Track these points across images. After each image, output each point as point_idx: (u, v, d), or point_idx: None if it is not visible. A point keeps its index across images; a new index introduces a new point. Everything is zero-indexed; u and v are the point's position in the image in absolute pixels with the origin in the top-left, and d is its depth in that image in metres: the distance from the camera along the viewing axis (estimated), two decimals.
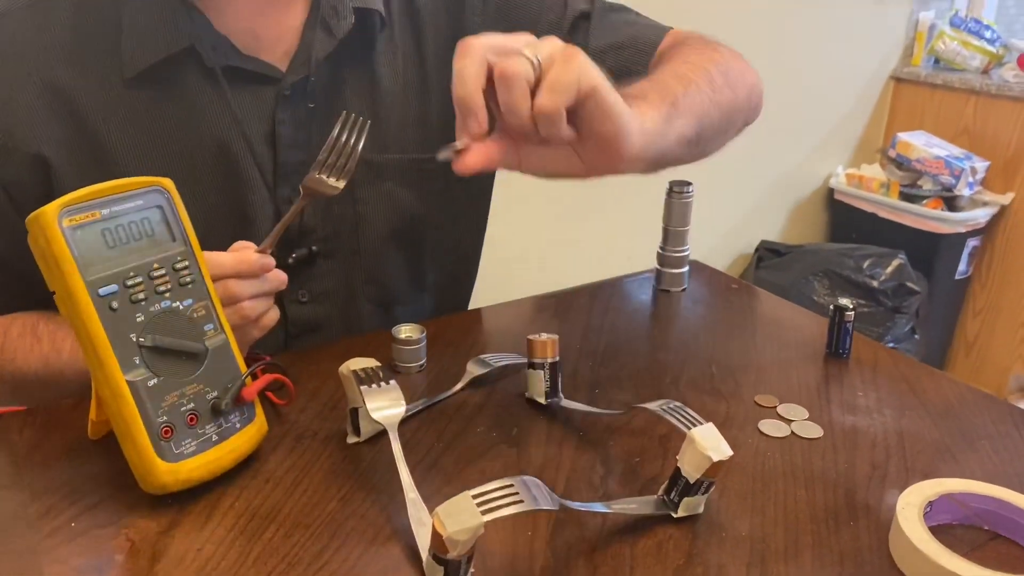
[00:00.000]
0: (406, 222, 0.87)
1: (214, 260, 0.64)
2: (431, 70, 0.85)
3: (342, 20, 0.78)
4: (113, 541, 0.54)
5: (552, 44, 0.57)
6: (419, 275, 0.91)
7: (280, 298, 0.81)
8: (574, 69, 0.55)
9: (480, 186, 0.94)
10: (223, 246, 0.69)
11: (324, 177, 0.71)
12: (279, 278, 0.70)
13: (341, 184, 0.71)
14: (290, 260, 0.80)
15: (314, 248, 0.82)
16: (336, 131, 0.71)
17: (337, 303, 0.86)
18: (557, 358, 0.69)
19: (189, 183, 0.71)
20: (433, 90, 0.85)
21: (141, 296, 0.56)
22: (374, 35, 0.81)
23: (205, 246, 0.67)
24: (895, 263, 2.26)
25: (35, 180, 0.73)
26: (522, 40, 0.58)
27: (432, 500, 0.53)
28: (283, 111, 0.78)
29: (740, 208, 2.49)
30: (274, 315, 0.71)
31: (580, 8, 0.88)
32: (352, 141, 0.72)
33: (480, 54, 0.56)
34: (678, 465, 0.56)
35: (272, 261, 0.69)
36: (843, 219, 2.60)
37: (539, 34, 0.76)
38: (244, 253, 0.68)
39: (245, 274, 0.67)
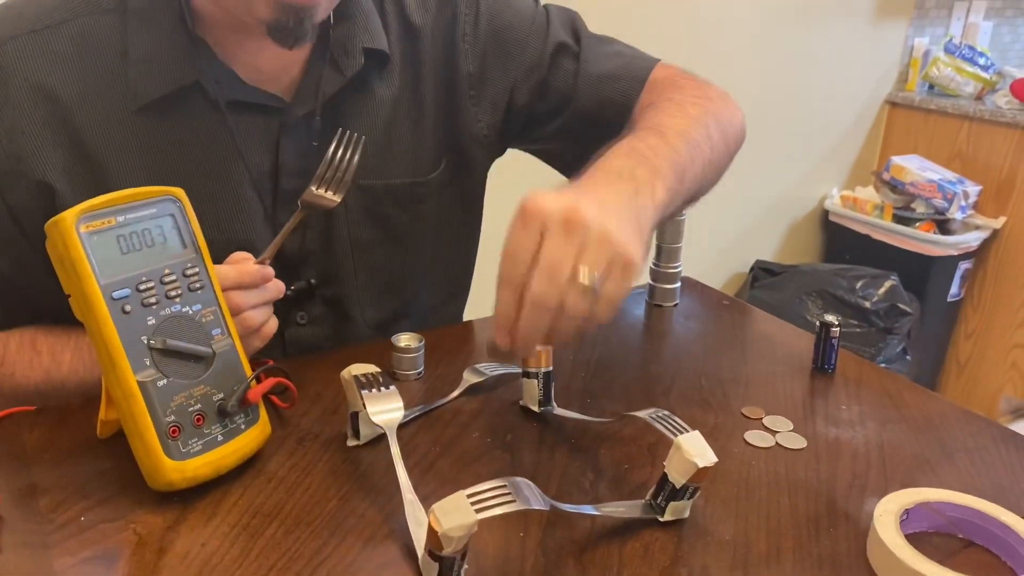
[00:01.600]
0: (402, 245, 0.89)
1: (217, 272, 0.66)
2: (427, 93, 0.87)
3: (352, 59, 0.80)
4: (121, 535, 0.56)
5: (611, 254, 0.57)
6: (415, 296, 0.93)
7: (280, 321, 0.83)
8: (629, 281, 0.57)
9: (472, 205, 0.96)
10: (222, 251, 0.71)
11: (322, 192, 0.74)
12: (278, 287, 0.72)
13: (338, 198, 0.74)
14: (289, 291, 0.79)
15: (313, 281, 0.84)
16: (332, 147, 0.74)
17: (335, 325, 0.88)
18: (551, 367, 0.71)
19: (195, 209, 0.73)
20: (427, 115, 0.87)
21: (153, 300, 0.59)
22: (378, 71, 0.83)
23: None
24: (888, 284, 2.29)
25: (39, 205, 0.73)
26: (576, 251, 0.57)
27: (429, 501, 0.55)
28: (286, 140, 0.79)
29: (736, 228, 2.52)
30: (273, 324, 0.73)
31: (560, 39, 0.89)
32: (348, 156, 0.75)
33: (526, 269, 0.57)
34: (665, 471, 0.58)
35: (272, 271, 0.71)
36: (837, 240, 2.64)
37: (526, 59, 0.79)
38: (245, 265, 0.70)
39: (247, 285, 0.69)
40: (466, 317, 1.03)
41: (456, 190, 0.92)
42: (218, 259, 0.73)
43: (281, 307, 0.81)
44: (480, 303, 0.98)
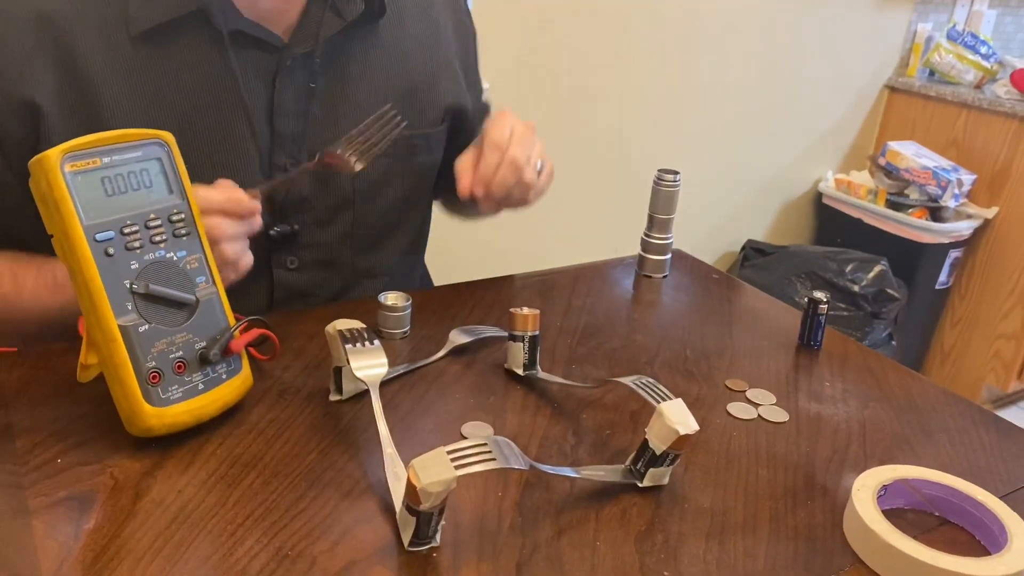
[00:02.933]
0: (395, 195, 0.90)
1: (202, 195, 0.66)
2: (432, 52, 0.89)
3: (352, 4, 0.81)
4: (97, 478, 0.55)
5: (544, 156, 0.85)
6: (398, 244, 0.94)
7: (268, 263, 0.83)
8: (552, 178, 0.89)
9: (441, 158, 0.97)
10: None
11: (347, 155, 0.75)
12: (257, 222, 0.72)
13: (359, 167, 0.76)
14: (272, 231, 0.82)
15: (296, 227, 0.84)
16: (373, 117, 0.77)
17: (325, 273, 0.88)
18: (537, 332, 0.71)
19: (182, 143, 0.72)
20: (432, 72, 0.90)
21: (137, 244, 0.58)
22: (376, 19, 0.84)
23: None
24: (877, 269, 2.29)
25: (24, 128, 0.73)
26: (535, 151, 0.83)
27: (408, 458, 0.55)
28: (282, 80, 0.79)
29: (729, 206, 2.51)
30: (249, 259, 0.72)
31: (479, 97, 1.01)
32: (384, 130, 0.77)
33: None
34: (646, 437, 0.58)
35: (259, 207, 0.71)
36: (829, 223, 2.64)
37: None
38: (234, 192, 0.69)
39: (231, 213, 0.68)
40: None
41: (449, 150, 0.93)
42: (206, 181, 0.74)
43: (272, 250, 0.83)
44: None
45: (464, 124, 0.95)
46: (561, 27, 1.92)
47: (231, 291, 0.81)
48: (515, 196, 0.83)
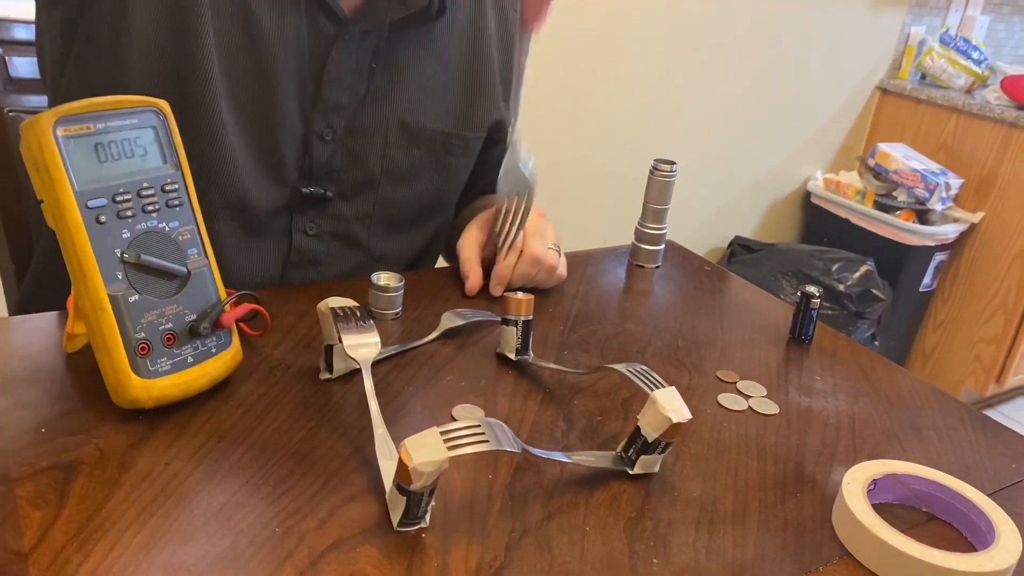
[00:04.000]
0: (423, 188, 0.91)
1: None
2: (486, 58, 0.92)
3: None
4: (82, 449, 0.55)
5: (555, 237, 0.87)
6: (416, 239, 0.96)
7: (289, 227, 0.86)
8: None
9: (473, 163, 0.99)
10: (250, 151, 0.78)
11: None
12: None
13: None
14: (304, 190, 0.84)
15: (329, 193, 0.86)
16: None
17: (340, 247, 0.89)
18: (531, 316, 0.71)
19: (227, 80, 0.77)
20: (484, 77, 0.92)
21: (129, 213, 0.57)
22: (435, 17, 0.85)
23: (231, 150, 0.76)
24: (863, 269, 2.31)
25: None
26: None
27: (399, 439, 0.54)
28: (338, 51, 0.81)
29: (718, 202, 2.52)
30: None
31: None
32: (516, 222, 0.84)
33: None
34: (638, 424, 0.58)
35: None
36: (817, 222, 2.65)
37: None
38: None
39: None
40: None
41: (482, 156, 0.97)
42: (249, 137, 0.79)
43: (295, 211, 0.85)
44: None
45: (501, 134, 0.97)
46: (556, 25, 1.91)
47: (249, 246, 0.85)
48: (539, 280, 0.85)
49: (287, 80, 0.80)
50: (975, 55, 2.62)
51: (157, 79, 0.75)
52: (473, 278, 0.83)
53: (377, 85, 0.84)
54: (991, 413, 2.68)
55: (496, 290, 0.84)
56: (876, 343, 2.34)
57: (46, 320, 0.69)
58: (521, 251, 0.83)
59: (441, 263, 1.03)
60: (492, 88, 0.94)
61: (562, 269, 0.87)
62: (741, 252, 2.50)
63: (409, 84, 0.86)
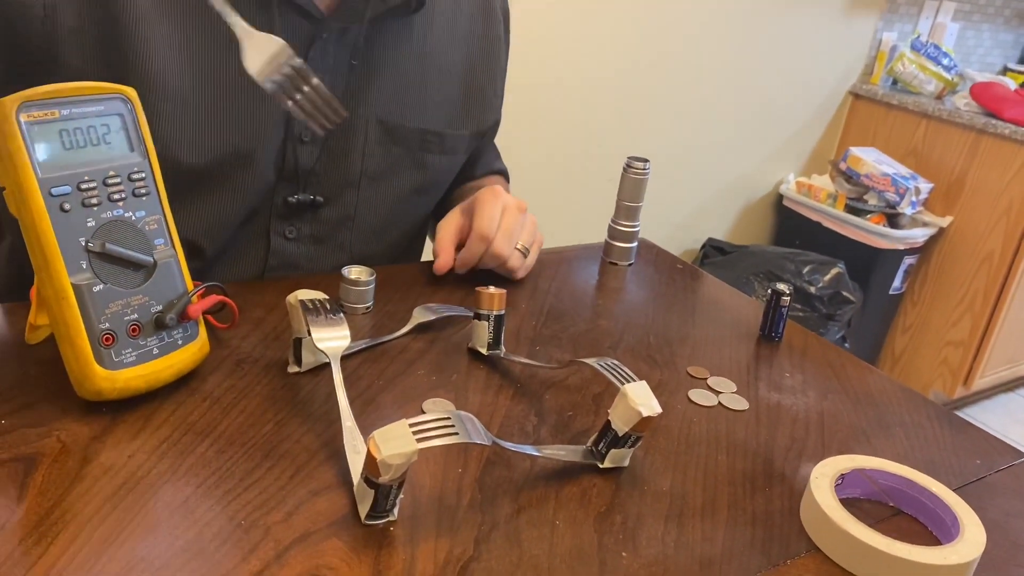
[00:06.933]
0: (402, 186, 0.90)
1: None
2: (466, 55, 0.91)
3: None
4: (43, 441, 0.53)
5: (534, 234, 0.89)
6: (398, 241, 0.95)
7: (267, 230, 0.84)
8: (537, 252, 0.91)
9: (457, 167, 0.98)
10: (226, 155, 0.76)
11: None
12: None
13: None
14: (291, 199, 0.83)
15: (318, 199, 0.85)
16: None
17: (321, 249, 0.88)
18: (503, 311, 0.70)
19: (206, 91, 0.75)
20: (464, 74, 0.91)
21: (94, 201, 0.56)
22: (414, 11, 0.85)
23: (210, 157, 0.74)
24: (834, 272, 2.33)
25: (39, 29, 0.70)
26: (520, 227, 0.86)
27: (367, 432, 0.54)
28: (316, 51, 0.79)
29: (691, 204, 2.53)
30: None
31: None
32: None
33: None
34: (609, 418, 0.58)
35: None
36: (789, 225, 2.67)
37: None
38: None
39: None
40: None
41: (467, 158, 0.97)
42: (226, 143, 0.77)
43: (273, 215, 0.84)
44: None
45: (489, 128, 0.97)
46: (529, 23, 1.91)
47: (226, 254, 0.83)
48: (500, 273, 0.87)
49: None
50: (945, 61, 2.66)
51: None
52: (444, 257, 0.84)
53: (356, 83, 0.83)
54: (961, 415, 2.72)
55: (459, 269, 0.85)
56: (846, 345, 2.36)
57: (4, 312, 0.67)
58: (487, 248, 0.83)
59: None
60: (475, 85, 0.93)
61: (522, 272, 0.88)
62: (714, 254, 2.51)
63: (388, 81, 0.85)
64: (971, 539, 0.53)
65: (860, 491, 0.60)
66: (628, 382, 0.58)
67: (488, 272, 0.87)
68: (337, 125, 0.68)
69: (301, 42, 0.79)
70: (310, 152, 0.83)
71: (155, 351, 0.59)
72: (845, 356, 0.82)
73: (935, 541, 0.57)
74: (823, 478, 0.57)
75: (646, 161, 0.94)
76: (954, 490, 0.58)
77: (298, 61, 0.66)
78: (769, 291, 0.81)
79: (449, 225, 0.86)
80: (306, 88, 0.66)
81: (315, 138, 0.82)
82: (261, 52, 0.65)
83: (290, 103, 0.66)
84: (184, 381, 0.61)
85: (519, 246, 0.85)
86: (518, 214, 0.85)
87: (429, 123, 0.89)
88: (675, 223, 2.52)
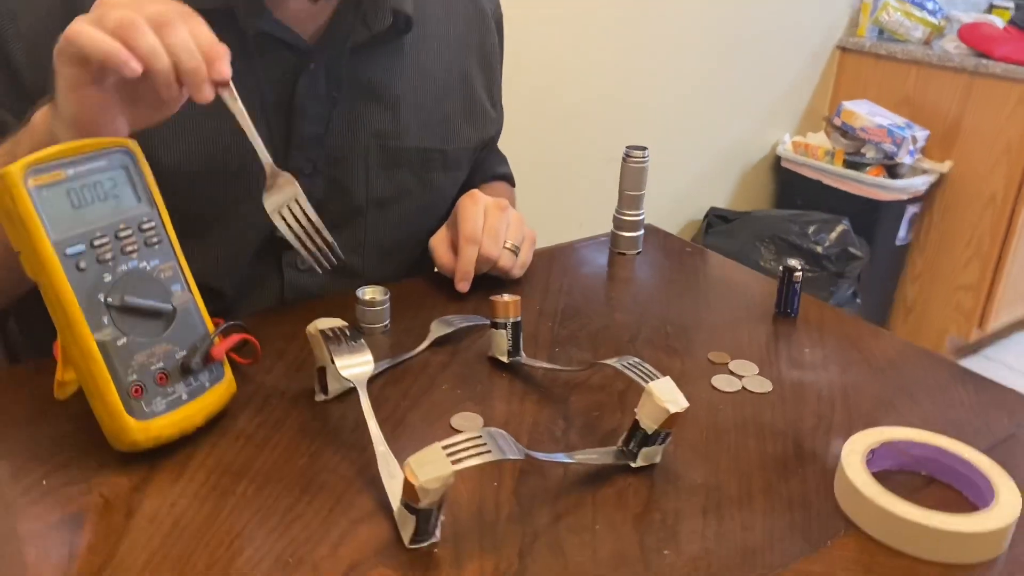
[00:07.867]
0: (410, 209, 0.90)
1: None
2: (460, 71, 0.91)
3: (381, 18, 0.81)
4: (85, 498, 0.54)
5: (523, 231, 0.88)
6: (410, 259, 0.95)
7: (279, 263, 0.84)
8: (532, 249, 0.91)
9: (462, 181, 0.98)
10: (223, 199, 0.77)
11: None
12: (222, 68, 0.60)
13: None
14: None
15: (337, 255, 0.83)
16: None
17: (335, 275, 0.87)
18: (519, 318, 0.71)
19: (198, 139, 0.75)
20: (458, 90, 0.92)
21: (108, 256, 0.57)
22: (401, 34, 0.84)
23: (205, 199, 0.74)
24: (839, 229, 2.32)
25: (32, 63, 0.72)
26: (506, 225, 0.85)
27: (400, 455, 0.55)
28: (304, 83, 0.79)
29: (690, 175, 2.53)
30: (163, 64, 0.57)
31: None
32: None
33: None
34: (637, 417, 0.58)
35: (227, 51, 0.61)
36: (789, 186, 2.66)
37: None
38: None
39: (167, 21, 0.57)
40: None
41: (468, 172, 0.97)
42: (217, 190, 0.77)
43: (283, 248, 0.84)
44: None
45: (491, 138, 0.98)
46: (515, 4, 1.90)
47: (243, 293, 0.84)
48: (495, 275, 0.87)
49: (258, 124, 0.75)
50: (930, 6, 2.64)
51: None
52: (459, 274, 0.84)
53: (350, 108, 0.83)
54: (977, 358, 2.72)
55: (461, 286, 0.84)
56: (858, 300, 2.36)
57: (31, 371, 0.68)
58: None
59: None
60: (473, 97, 0.93)
61: (517, 270, 0.87)
62: (718, 223, 2.51)
63: (383, 104, 0.85)
64: (1007, 502, 0.54)
65: (892, 463, 0.61)
66: (652, 379, 0.59)
67: (494, 279, 0.87)
68: (334, 267, 0.71)
69: (287, 75, 0.78)
70: (313, 184, 0.82)
71: (184, 396, 0.59)
72: (862, 325, 0.82)
73: (971, 507, 0.57)
74: (854, 455, 0.58)
75: (644, 149, 0.94)
76: (984, 451, 0.59)
77: (308, 206, 0.68)
78: (781, 268, 0.82)
79: (442, 244, 0.86)
80: (310, 231, 0.69)
81: (316, 169, 0.82)
82: (281, 191, 0.68)
83: (295, 240, 0.68)
84: (216, 422, 0.62)
85: (508, 245, 0.84)
86: (500, 212, 0.85)
87: (430, 141, 0.89)
88: (676, 196, 2.52)
